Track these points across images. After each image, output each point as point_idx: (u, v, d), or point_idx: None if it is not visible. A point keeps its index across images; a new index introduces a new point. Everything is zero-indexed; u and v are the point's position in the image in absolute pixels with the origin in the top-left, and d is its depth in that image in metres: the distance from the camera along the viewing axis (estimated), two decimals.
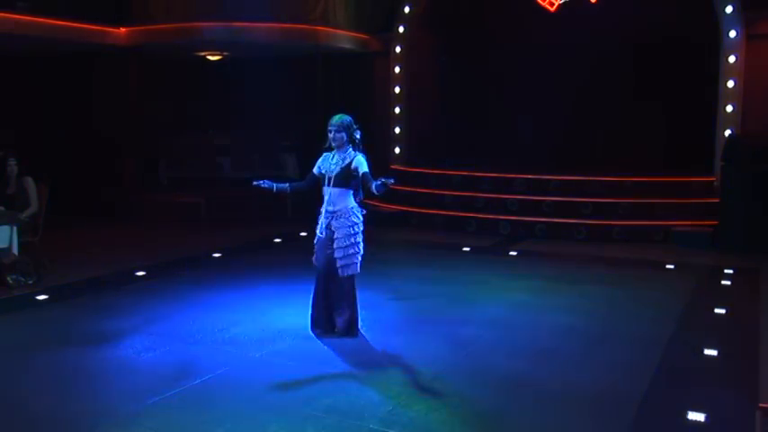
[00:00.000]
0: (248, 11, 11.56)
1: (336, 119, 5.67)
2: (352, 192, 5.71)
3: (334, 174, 5.65)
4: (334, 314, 5.82)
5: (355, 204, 5.73)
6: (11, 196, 7.75)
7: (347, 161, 5.63)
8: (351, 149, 5.68)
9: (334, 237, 5.67)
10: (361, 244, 5.72)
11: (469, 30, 13.26)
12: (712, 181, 10.63)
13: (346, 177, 5.63)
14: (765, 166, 9.33)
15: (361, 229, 5.73)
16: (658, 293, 7.31)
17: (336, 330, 5.80)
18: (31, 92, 13.22)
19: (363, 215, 5.77)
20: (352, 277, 5.72)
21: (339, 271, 5.66)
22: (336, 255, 5.65)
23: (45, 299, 6.96)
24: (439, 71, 13.90)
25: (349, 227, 5.64)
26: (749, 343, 5.75)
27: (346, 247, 5.63)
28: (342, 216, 5.65)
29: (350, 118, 5.72)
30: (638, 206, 10.38)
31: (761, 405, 3.58)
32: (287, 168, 13.38)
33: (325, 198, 5.72)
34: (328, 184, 5.68)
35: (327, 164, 5.73)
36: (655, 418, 4.34)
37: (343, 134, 5.64)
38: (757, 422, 3.49)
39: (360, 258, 5.71)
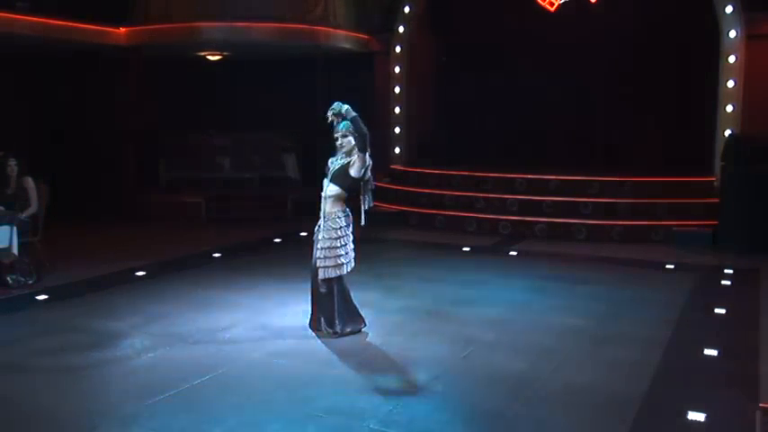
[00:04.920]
0: (248, 11, 11.57)
1: (342, 125, 5.62)
2: (345, 194, 5.69)
3: (334, 168, 5.67)
4: (319, 313, 5.84)
5: (340, 208, 5.68)
6: (11, 196, 7.74)
7: (348, 159, 5.63)
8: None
9: (318, 238, 5.68)
10: (345, 248, 5.66)
11: (469, 30, 13.26)
12: (712, 181, 10.63)
13: (343, 176, 5.63)
14: (765, 167, 9.33)
15: (346, 233, 5.68)
16: (658, 293, 7.31)
17: (321, 329, 5.81)
18: (31, 92, 13.22)
19: (349, 219, 5.72)
20: (332, 280, 5.69)
21: (319, 272, 5.68)
22: (317, 255, 5.68)
23: (45, 299, 6.95)
24: (439, 71, 13.90)
25: (331, 230, 5.62)
26: (749, 343, 5.75)
27: (325, 249, 5.63)
28: (328, 219, 5.66)
29: (351, 111, 5.59)
30: (638, 206, 10.37)
31: (761, 405, 3.58)
32: (287, 168, 13.38)
33: (322, 194, 5.73)
34: (327, 178, 5.69)
35: (333, 159, 5.75)
36: (655, 418, 4.34)
37: (350, 138, 5.60)
38: (757, 422, 3.49)
39: (342, 262, 5.64)
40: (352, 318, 5.86)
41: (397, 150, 13.20)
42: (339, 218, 5.67)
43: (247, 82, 14.39)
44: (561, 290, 7.40)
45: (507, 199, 10.91)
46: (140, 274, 8.03)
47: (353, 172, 5.59)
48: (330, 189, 5.66)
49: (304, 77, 13.04)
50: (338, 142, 5.65)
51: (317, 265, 5.68)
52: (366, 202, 5.75)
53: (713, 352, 5.45)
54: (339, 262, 5.66)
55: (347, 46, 12.73)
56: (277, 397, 4.58)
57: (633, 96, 12.54)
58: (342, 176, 5.62)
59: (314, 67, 12.61)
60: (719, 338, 5.78)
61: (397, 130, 13.20)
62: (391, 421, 4.22)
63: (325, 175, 5.75)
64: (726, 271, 8.26)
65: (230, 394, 4.62)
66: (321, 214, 5.73)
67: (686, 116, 11.87)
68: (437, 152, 13.30)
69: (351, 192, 5.72)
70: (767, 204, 9.30)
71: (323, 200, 5.71)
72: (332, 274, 5.66)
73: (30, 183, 7.85)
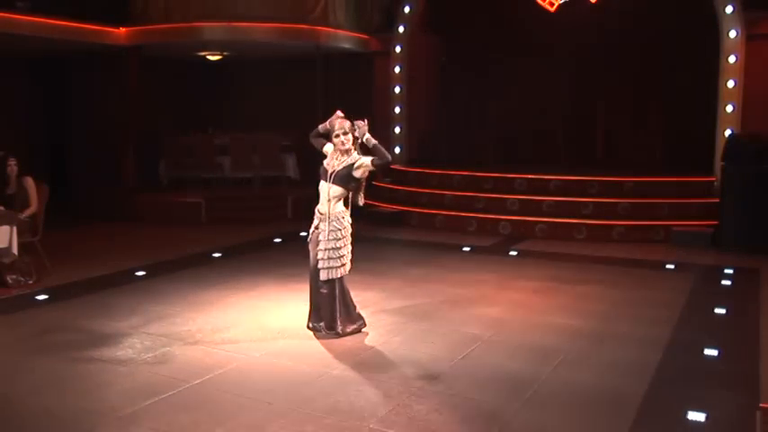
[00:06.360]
0: (248, 11, 11.57)
1: (339, 122, 5.66)
2: (347, 194, 5.70)
3: (337, 170, 5.64)
4: (318, 314, 5.84)
5: (343, 208, 5.70)
6: (11, 196, 7.74)
7: (351, 161, 5.63)
8: (355, 153, 5.68)
9: (319, 239, 5.68)
10: (346, 249, 5.68)
11: (469, 30, 13.27)
12: (712, 181, 10.64)
13: (347, 177, 5.63)
14: (765, 166, 9.33)
15: (347, 234, 5.69)
16: (658, 293, 7.31)
17: (320, 330, 5.81)
18: (30, 92, 13.23)
19: (350, 222, 5.73)
20: (334, 281, 5.69)
21: (320, 274, 5.68)
22: (319, 256, 5.67)
23: (45, 299, 6.96)
24: (439, 71, 13.90)
25: (333, 231, 5.62)
26: (749, 343, 5.75)
27: (329, 250, 5.62)
28: (333, 220, 5.64)
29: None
30: (638, 206, 10.38)
31: (761, 405, 3.59)
32: (287, 168, 13.38)
33: (321, 196, 5.72)
34: (327, 180, 5.68)
35: (331, 159, 5.72)
36: (655, 418, 4.34)
37: (350, 135, 5.62)
38: (757, 422, 3.49)
39: (345, 262, 5.67)
40: (353, 318, 5.86)
41: (397, 150, 13.20)
42: (343, 218, 5.67)
43: (247, 81, 14.41)
44: (561, 290, 7.40)
45: (507, 199, 10.91)
46: (140, 274, 8.03)
47: (359, 174, 5.61)
48: (333, 191, 5.65)
49: (304, 77, 13.05)
50: (339, 139, 5.63)
51: (320, 266, 5.67)
52: (360, 199, 5.79)
53: (713, 352, 5.45)
54: (342, 262, 5.67)
55: (347, 46, 12.74)
56: (277, 397, 4.58)
57: (633, 96, 12.55)
58: (346, 177, 5.61)
59: (314, 66, 12.61)
60: (719, 338, 5.78)
61: (397, 130, 13.21)
62: (391, 421, 4.22)
63: (321, 177, 5.72)
64: (726, 271, 8.26)
65: (230, 394, 4.62)
66: (320, 216, 5.70)
67: (686, 116, 11.87)
68: (437, 152, 13.30)
69: (350, 190, 5.73)
70: (767, 204, 9.30)
71: (324, 202, 5.69)
72: (335, 274, 5.67)
73: (30, 182, 7.85)
